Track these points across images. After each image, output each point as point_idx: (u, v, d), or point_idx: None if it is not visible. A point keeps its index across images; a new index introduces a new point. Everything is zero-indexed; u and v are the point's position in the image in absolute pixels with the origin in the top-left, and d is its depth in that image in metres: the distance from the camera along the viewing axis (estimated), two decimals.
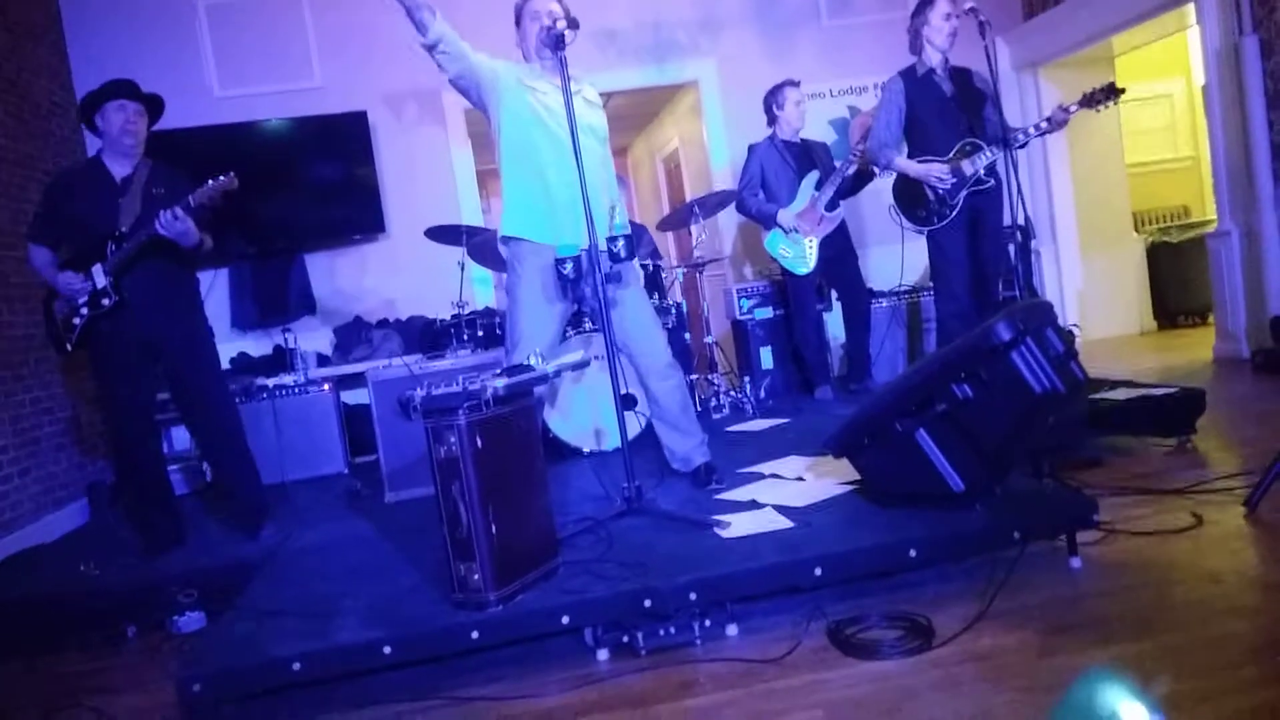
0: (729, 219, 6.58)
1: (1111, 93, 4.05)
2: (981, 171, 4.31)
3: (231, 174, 3.39)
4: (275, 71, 6.18)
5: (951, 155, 4.36)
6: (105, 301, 3.46)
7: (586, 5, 3.82)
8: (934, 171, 4.35)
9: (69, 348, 3.55)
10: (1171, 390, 3.86)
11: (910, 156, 4.52)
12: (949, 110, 4.42)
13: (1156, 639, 2.13)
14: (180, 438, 5.64)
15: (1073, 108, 4.11)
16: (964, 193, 4.34)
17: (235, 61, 6.14)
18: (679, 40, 6.69)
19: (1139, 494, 3.16)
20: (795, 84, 5.36)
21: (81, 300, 3.47)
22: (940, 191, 4.37)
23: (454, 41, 3.24)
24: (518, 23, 3.44)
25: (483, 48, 3.39)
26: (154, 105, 3.66)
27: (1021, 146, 4.14)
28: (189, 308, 3.71)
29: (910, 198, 4.52)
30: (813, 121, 5.97)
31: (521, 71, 3.39)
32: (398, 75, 6.28)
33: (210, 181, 3.37)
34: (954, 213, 4.36)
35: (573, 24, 3.11)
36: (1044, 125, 4.21)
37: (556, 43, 3.10)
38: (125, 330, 3.50)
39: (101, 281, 3.45)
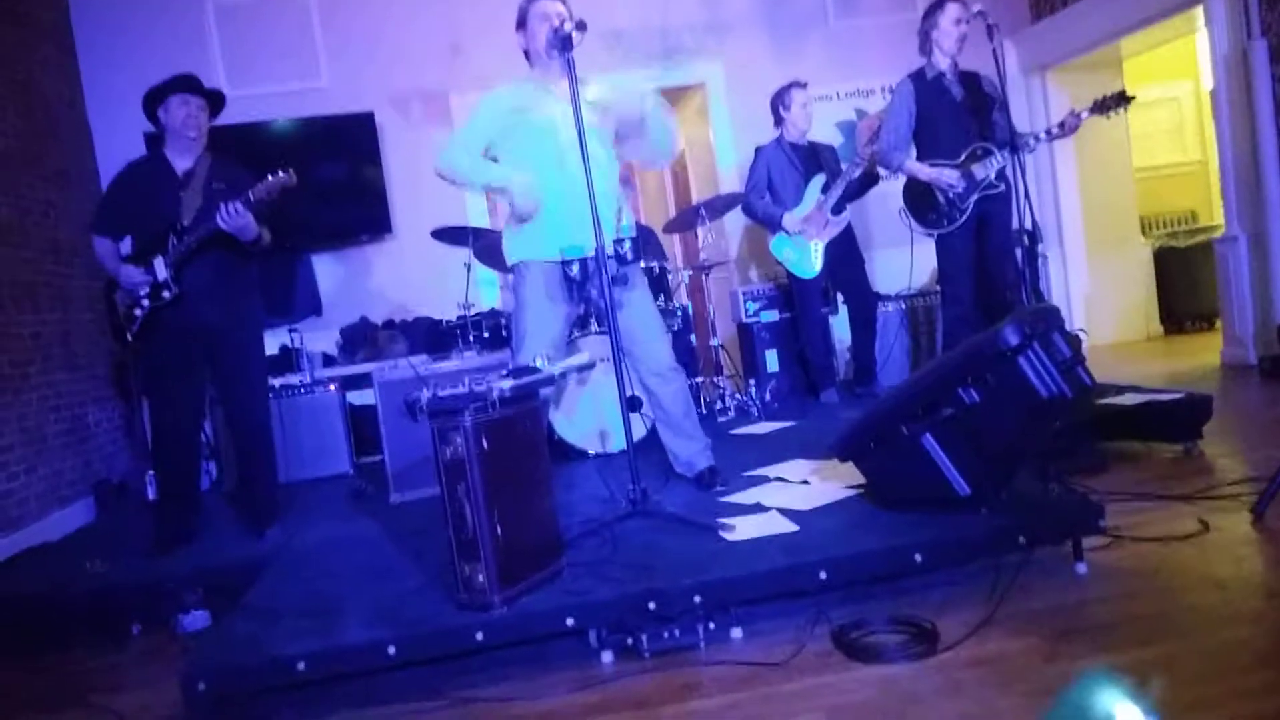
0: (735, 221, 6.58)
1: (1122, 100, 4.05)
2: (992, 176, 4.30)
3: (290, 171, 3.45)
4: (282, 72, 6.20)
5: (962, 159, 4.36)
6: (166, 294, 3.51)
7: (593, 7, 3.82)
8: (945, 176, 4.35)
9: (130, 338, 3.59)
10: (1178, 396, 3.85)
11: (920, 160, 4.52)
12: (959, 114, 4.42)
13: (1162, 645, 2.13)
14: None
15: (1084, 114, 4.11)
16: (974, 197, 4.34)
17: (243, 61, 6.16)
18: (686, 42, 6.70)
19: (1145, 499, 3.15)
20: (802, 85, 5.36)
21: (143, 292, 3.52)
22: (951, 195, 4.37)
23: (470, 169, 3.40)
24: (522, 25, 3.43)
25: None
26: (216, 100, 3.73)
27: (1031, 151, 4.14)
28: (245, 300, 3.77)
29: (920, 201, 4.52)
30: (820, 124, 5.97)
31: (506, 99, 3.41)
32: (405, 76, 6.30)
33: (270, 177, 3.43)
34: (964, 216, 4.36)
35: (580, 26, 3.10)
36: (1055, 130, 4.22)
37: (564, 44, 3.10)
38: (184, 322, 3.56)
39: (163, 274, 3.50)
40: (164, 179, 3.61)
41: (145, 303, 3.52)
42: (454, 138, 3.51)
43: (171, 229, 3.50)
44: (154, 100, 3.61)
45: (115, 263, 3.60)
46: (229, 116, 5.82)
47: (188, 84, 3.62)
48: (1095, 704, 0.98)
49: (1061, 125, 4.20)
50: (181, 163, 3.64)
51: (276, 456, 3.89)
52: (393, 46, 6.29)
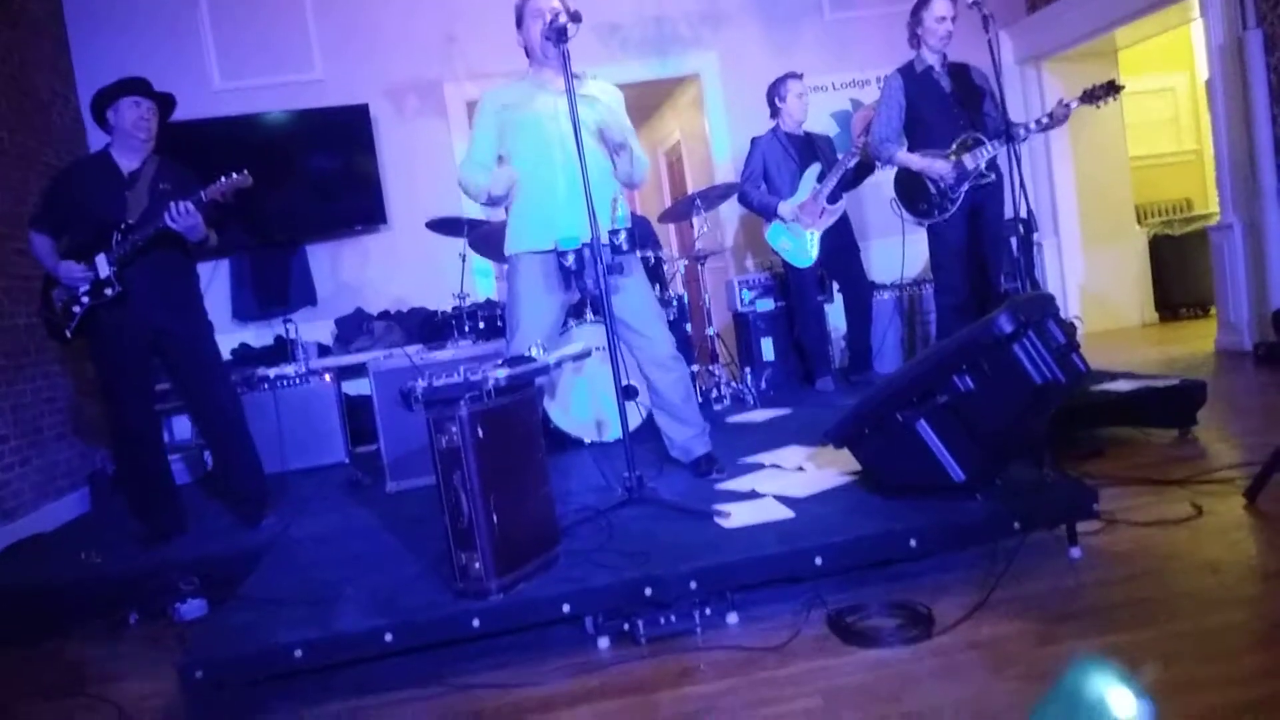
0: (731, 211, 6.58)
1: (1111, 89, 4.06)
2: (983, 165, 4.31)
3: (245, 172, 3.43)
4: (276, 64, 6.18)
5: (953, 149, 4.36)
6: (108, 291, 3.47)
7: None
8: (937, 166, 4.35)
9: (68, 335, 3.56)
10: (1173, 382, 3.87)
11: (911, 151, 4.51)
12: (949, 106, 4.43)
13: (1156, 629, 2.14)
14: (181, 427, 5.67)
15: (1073, 103, 4.12)
16: (965, 186, 4.34)
17: (236, 54, 6.14)
18: (681, 33, 6.69)
19: (1140, 484, 3.16)
20: (798, 76, 5.36)
21: (83, 289, 3.48)
22: (942, 185, 4.37)
23: (489, 182, 3.40)
24: (519, 24, 3.43)
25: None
26: (165, 103, 3.70)
27: (1023, 141, 4.14)
28: (190, 300, 3.73)
29: (912, 191, 4.52)
30: (815, 114, 5.96)
31: (497, 98, 3.43)
32: (399, 68, 6.29)
33: (223, 179, 3.40)
34: (955, 206, 4.36)
35: (575, 17, 3.11)
36: (1045, 120, 4.22)
37: (559, 36, 3.10)
38: (127, 321, 3.52)
39: (105, 271, 3.46)
40: (109, 178, 3.57)
41: (85, 300, 3.47)
42: (466, 155, 3.50)
43: (116, 227, 3.46)
44: (103, 101, 3.57)
45: (54, 259, 3.56)
46: (223, 109, 5.88)
47: (139, 87, 3.59)
48: (1089, 689, 0.98)
49: (1051, 116, 4.20)
50: (127, 163, 3.60)
51: (255, 446, 3.85)
52: (387, 38, 6.28)
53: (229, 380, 3.91)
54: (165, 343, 3.61)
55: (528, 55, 3.47)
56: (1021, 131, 4.17)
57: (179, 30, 6.07)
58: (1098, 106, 4.14)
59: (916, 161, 4.44)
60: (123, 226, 3.47)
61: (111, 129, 3.61)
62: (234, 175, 3.41)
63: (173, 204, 3.37)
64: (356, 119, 6.13)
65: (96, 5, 5.97)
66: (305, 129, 6.05)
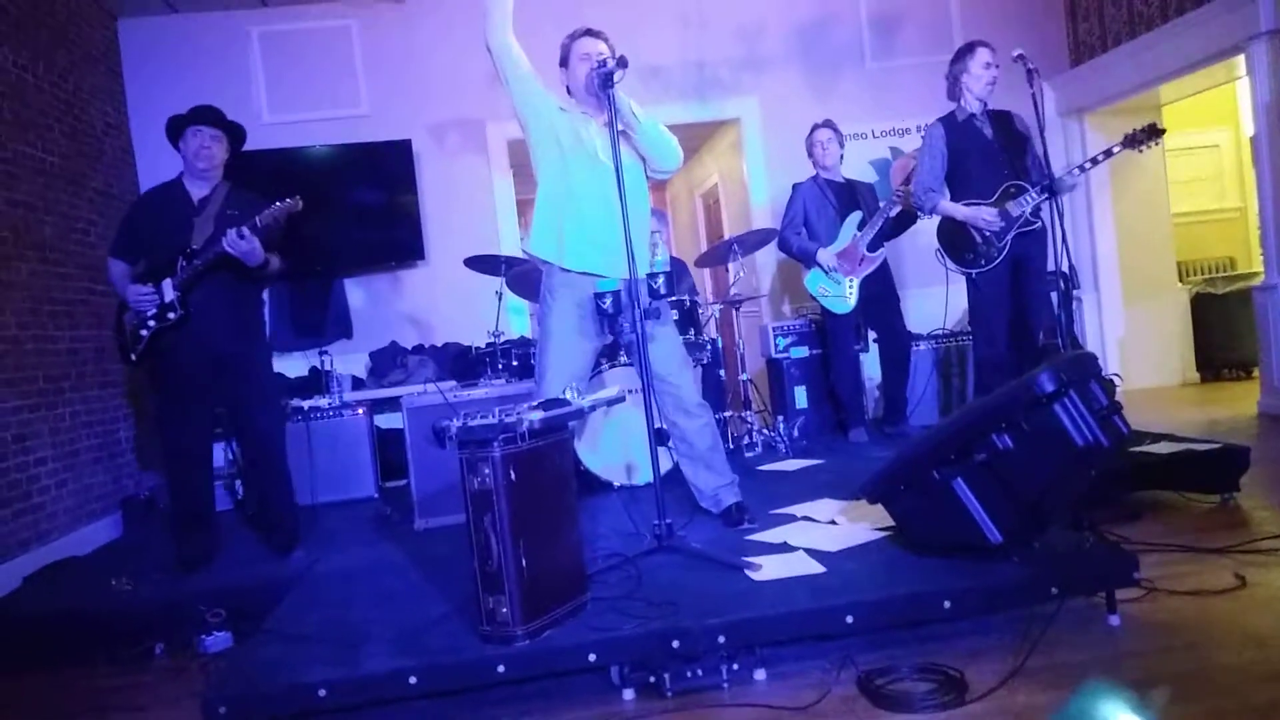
0: (767, 257, 6.57)
1: (1153, 133, 4.05)
2: (1028, 212, 4.28)
3: (297, 197, 3.55)
4: (323, 99, 6.30)
5: (996, 197, 4.34)
6: (171, 315, 3.58)
7: (631, 43, 3.85)
8: (982, 215, 4.33)
9: (134, 358, 3.66)
10: (1215, 445, 3.79)
11: (954, 200, 4.49)
12: (991, 154, 4.41)
13: (1199, 704, 2.07)
14: (215, 453, 5.68)
15: (1115, 148, 4.11)
16: (1011, 234, 4.31)
17: (285, 88, 6.26)
18: (722, 77, 6.73)
19: (1180, 551, 3.09)
20: (824, 124, 5.35)
21: (150, 312, 3.59)
22: (987, 234, 4.34)
23: (515, 61, 3.30)
24: (564, 64, 3.47)
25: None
26: (234, 132, 3.80)
27: (1071, 189, 4.12)
28: (251, 325, 3.84)
29: (956, 241, 4.48)
30: (855, 162, 5.95)
31: (561, 102, 3.43)
32: (442, 105, 6.38)
33: (276, 204, 3.51)
34: (1001, 255, 4.32)
35: (622, 63, 3.12)
36: (1088, 165, 4.22)
37: (605, 81, 3.11)
38: (190, 344, 3.61)
39: (169, 296, 3.58)
40: (179, 205, 3.70)
41: (151, 323, 3.59)
42: None
43: (181, 252, 3.58)
44: (173, 130, 3.71)
45: (125, 284, 3.68)
46: (270, 141, 5.98)
47: (201, 116, 3.70)
48: (1100, 713, 0.95)
49: (1093, 160, 4.21)
50: (197, 190, 3.73)
51: (291, 478, 3.91)
52: (433, 76, 6.38)
53: (279, 410, 3.99)
54: (224, 366, 3.69)
55: (569, 95, 3.49)
56: (1067, 180, 4.15)
57: (230, 64, 6.20)
58: (1140, 151, 4.12)
59: (961, 211, 4.41)
60: (187, 252, 3.57)
61: (182, 157, 3.73)
62: (286, 200, 3.53)
63: (230, 230, 3.46)
64: (399, 154, 6.21)
65: (151, 38, 6.11)
66: (349, 162, 6.14)
